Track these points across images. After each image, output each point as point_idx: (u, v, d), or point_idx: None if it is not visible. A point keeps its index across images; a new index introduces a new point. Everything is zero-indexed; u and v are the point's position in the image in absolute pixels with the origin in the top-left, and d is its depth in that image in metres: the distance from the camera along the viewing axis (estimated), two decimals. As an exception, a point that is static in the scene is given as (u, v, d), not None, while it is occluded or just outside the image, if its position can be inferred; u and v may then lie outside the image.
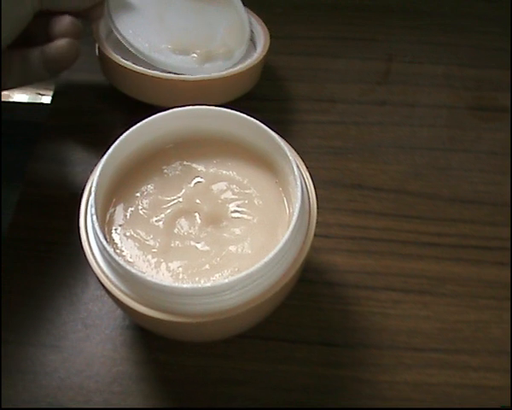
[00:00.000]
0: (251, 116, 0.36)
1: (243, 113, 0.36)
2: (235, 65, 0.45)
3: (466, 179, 0.44)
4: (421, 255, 0.40)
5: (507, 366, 0.35)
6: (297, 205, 0.31)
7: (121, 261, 0.29)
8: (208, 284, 0.29)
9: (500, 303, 0.38)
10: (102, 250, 0.30)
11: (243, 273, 0.29)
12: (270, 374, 0.35)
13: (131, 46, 0.43)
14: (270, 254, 0.29)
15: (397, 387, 0.34)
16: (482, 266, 0.39)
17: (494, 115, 0.49)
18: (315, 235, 0.32)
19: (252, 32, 0.48)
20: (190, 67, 0.44)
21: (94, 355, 0.35)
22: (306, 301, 0.37)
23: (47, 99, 0.49)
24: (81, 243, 0.32)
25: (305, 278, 0.33)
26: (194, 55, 0.44)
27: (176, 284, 0.29)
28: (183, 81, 0.42)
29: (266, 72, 0.48)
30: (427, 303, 0.38)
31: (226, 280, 0.28)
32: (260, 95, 0.49)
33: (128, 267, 0.29)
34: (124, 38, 0.43)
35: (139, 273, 0.29)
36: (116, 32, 0.43)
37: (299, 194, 0.31)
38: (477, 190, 0.43)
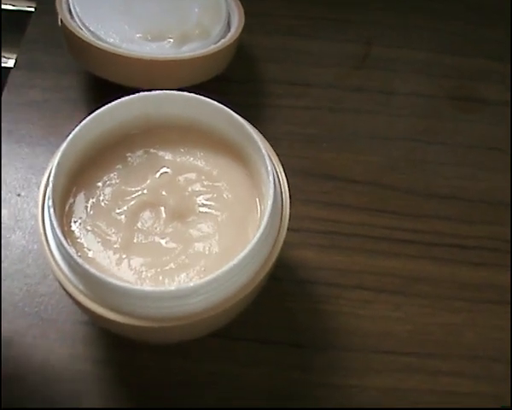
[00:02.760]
0: (222, 101, 0.34)
1: (214, 96, 0.34)
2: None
3: (442, 174, 0.43)
4: (395, 253, 0.38)
5: (478, 372, 0.34)
6: (269, 203, 0.29)
7: (79, 260, 0.27)
8: (172, 288, 0.27)
9: (473, 306, 0.37)
10: (60, 246, 0.28)
11: (209, 277, 0.27)
12: (235, 376, 0.33)
13: (103, 41, 0.40)
14: (239, 256, 0.28)
15: (366, 392, 0.33)
16: (456, 266, 0.38)
17: (473, 106, 0.47)
18: (285, 229, 0.31)
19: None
20: (166, 52, 0.41)
21: (50, 352, 0.33)
22: (275, 300, 0.36)
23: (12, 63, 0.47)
24: (38, 235, 0.30)
25: (275, 275, 0.32)
26: (170, 39, 0.42)
27: (137, 287, 0.28)
28: (152, 61, 0.40)
29: (238, 51, 0.45)
30: (399, 304, 0.36)
31: (191, 284, 0.27)
32: (231, 76, 0.46)
33: (86, 267, 0.27)
34: (93, 33, 0.40)
35: (98, 273, 0.27)
36: (84, 29, 0.40)
37: (271, 191, 0.30)
38: (453, 186, 0.42)
